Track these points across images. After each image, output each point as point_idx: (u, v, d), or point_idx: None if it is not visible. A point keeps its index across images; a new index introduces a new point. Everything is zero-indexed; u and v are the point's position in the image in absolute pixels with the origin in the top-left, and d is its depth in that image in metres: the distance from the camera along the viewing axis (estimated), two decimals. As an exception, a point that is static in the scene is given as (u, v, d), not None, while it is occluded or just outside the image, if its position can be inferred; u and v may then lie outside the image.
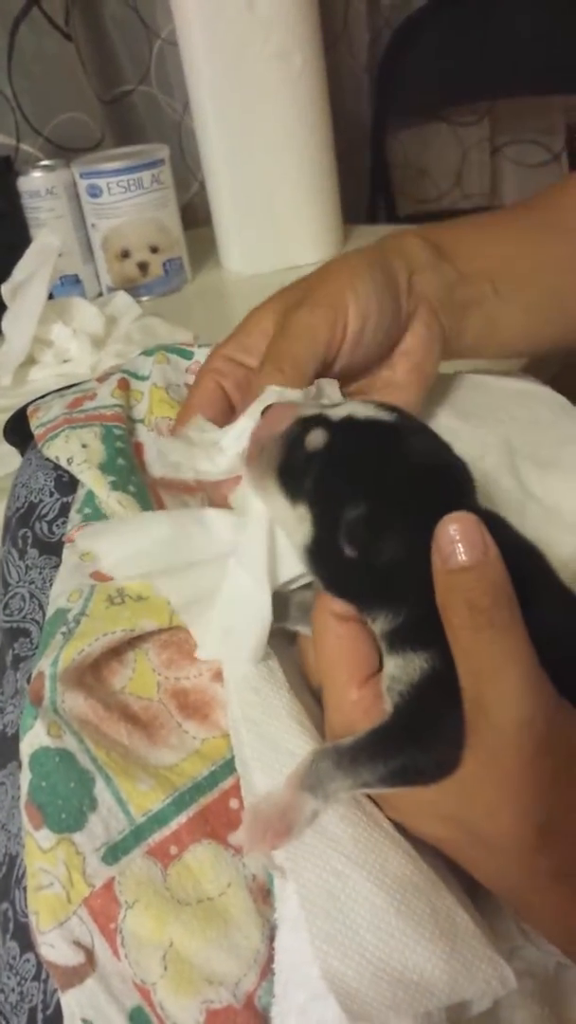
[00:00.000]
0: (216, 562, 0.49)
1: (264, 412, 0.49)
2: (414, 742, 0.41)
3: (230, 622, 0.48)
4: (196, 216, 1.69)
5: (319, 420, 0.46)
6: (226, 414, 0.59)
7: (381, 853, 0.42)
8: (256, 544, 0.48)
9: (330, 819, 0.43)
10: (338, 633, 0.45)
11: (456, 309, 0.63)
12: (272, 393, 0.52)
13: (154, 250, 1.43)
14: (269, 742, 0.45)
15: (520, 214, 0.70)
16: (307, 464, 0.44)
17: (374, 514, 0.42)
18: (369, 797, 0.45)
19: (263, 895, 0.44)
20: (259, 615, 0.47)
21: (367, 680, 0.44)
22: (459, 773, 0.40)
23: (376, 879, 0.41)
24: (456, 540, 0.39)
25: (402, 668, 0.42)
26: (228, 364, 0.60)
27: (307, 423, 0.46)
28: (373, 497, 0.42)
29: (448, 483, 0.44)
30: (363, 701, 0.44)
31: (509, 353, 0.71)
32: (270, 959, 0.42)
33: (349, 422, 0.45)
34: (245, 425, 0.53)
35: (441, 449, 0.46)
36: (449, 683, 0.40)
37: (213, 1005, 0.41)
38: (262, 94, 1.39)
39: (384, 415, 0.45)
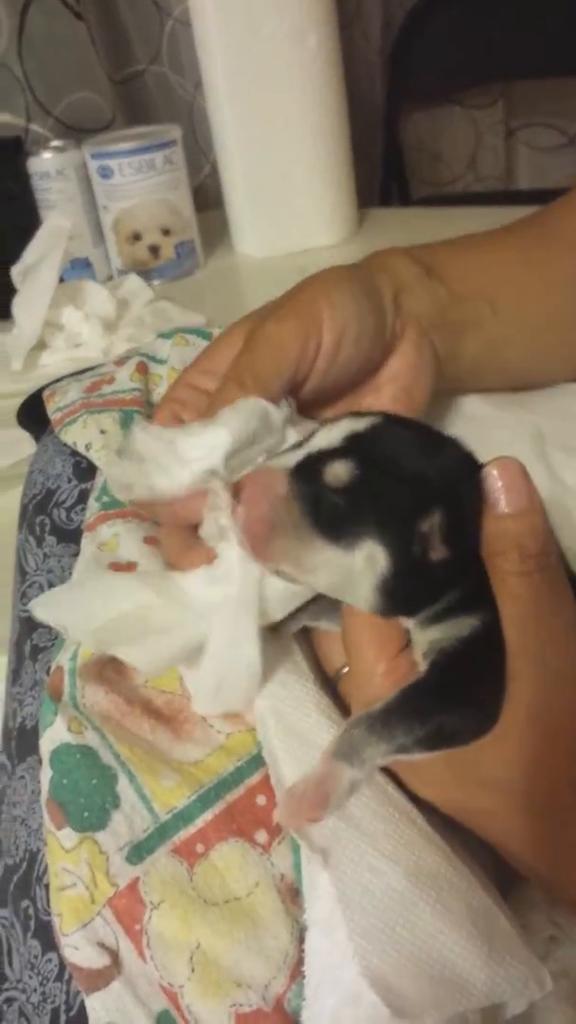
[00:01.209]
0: (189, 625, 0.45)
1: (237, 492, 0.42)
2: (450, 697, 0.40)
3: (219, 678, 0.44)
4: (208, 198, 1.67)
5: (320, 457, 0.41)
6: None
7: (415, 850, 0.41)
8: (242, 600, 0.44)
9: (363, 814, 0.41)
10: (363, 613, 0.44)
11: (450, 330, 0.58)
12: (248, 404, 0.46)
13: (166, 232, 1.41)
14: (297, 736, 0.44)
15: (519, 231, 0.65)
16: (350, 499, 0.40)
17: (451, 510, 0.40)
18: (403, 788, 0.43)
19: (292, 895, 0.43)
20: (249, 669, 0.44)
21: (396, 656, 0.43)
22: (499, 730, 0.39)
23: (411, 876, 0.40)
24: (504, 487, 0.39)
25: (446, 630, 0.41)
26: (190, 392, 0.53)
27: (307, 467, 0.41)
28: (441, 496, 0.40)
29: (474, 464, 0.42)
30: (393, 673, 0.43)
31: (515, 379, 0.65)
32: (300, 961, 0.41)
33: (357, 439, 0.41)
34: (217, 438, 0.45)
35: (450, 438, 0.44)
36: (494, 642, 0.40)
37: (242, 1008, 0.40)
38: (276, 74, 1.37)
39: (375, 420, 0.42)
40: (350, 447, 0.41)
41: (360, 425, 0.42)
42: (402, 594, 0.41)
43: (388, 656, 0.43)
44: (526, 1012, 0.42)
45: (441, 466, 0.41)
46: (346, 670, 0.46)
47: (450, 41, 1.95)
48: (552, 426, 0.61)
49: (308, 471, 0.41)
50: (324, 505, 0.40)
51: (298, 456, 0.41)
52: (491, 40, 1.88)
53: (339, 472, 0.40)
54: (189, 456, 0.45)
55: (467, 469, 0.41)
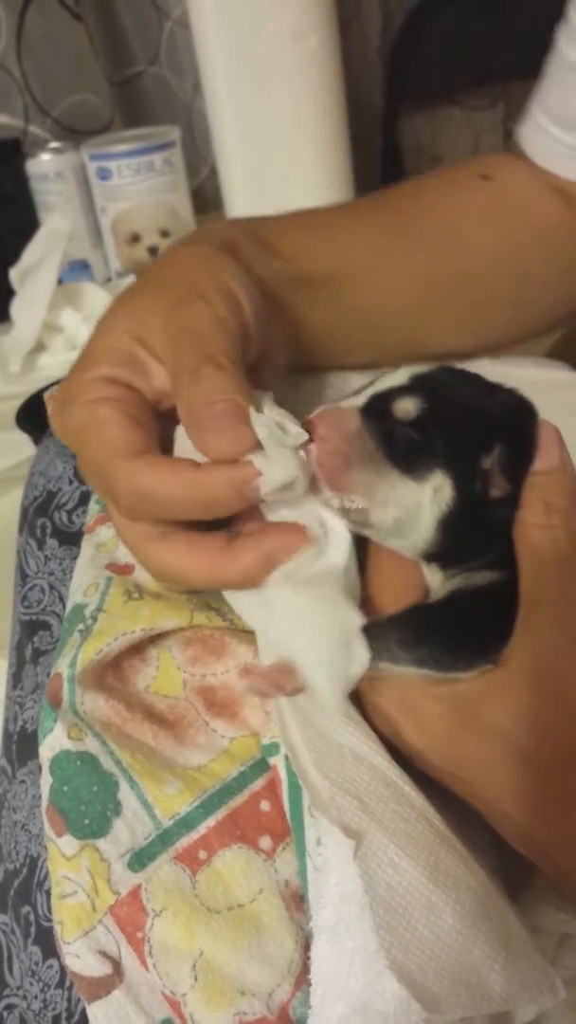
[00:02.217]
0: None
1: (309, 430, 0.41)
2: (452, 622, 0.41)
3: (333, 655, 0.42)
4: (206, 201, 1.66)
5: (387, 395, 0.42)
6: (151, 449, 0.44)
7: (433, 851, 0.40)
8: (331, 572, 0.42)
9: (383, 812, 0.41)
10: (389, 559, 0.45)
11: (287, 310, 0.56)
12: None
13: (165, 234, 1.40)
14: (316, 730, 0.44)
15: (362, 215, 0.64)
16: (420, 432, 0.41)
17: (511, 448, 0.42)
18: (419, 788, 0.42)
19: (296, 901, 0.42)
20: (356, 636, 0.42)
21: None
22: (505, 678, 0.39)
23: (430, 875, 0.39)
24: (543, 445, 0.41)
25: (467, 579, 0.43)
26: (111, 388, 0.45)
27: (375, 405, 0.42)
28: (503, 433, 0.42)
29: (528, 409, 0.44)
30: None
31: (342, 362, 0.63)
32: (305, 968, 0.41)
33: (421, 379, 0.43)
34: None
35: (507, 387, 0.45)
36: (508, 594, 0.41)
37: (246, 1017, 0.40)
38: (276, 75, 1.36)
39: (435, 365, 0.44)
40: (415, 385, 0.42)
41: (421, 369, 0.43)
42: (458, 534, 0.42)
43: (405, 603, 0.43)
44: (534, 1021, 0.41)
45: (503, 404, 0.43)
46: None
47: (449, 42, 1.95)
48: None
49: (377, 408, 0.42)
50: (396, 438, 0.41)
51: (365, 396, 0.43)
52: (490, 41, 1.87)
53: (408, 406, 0.42)
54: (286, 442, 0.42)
55: (526, 412, 0.44)
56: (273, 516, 0.43)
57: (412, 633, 0.41)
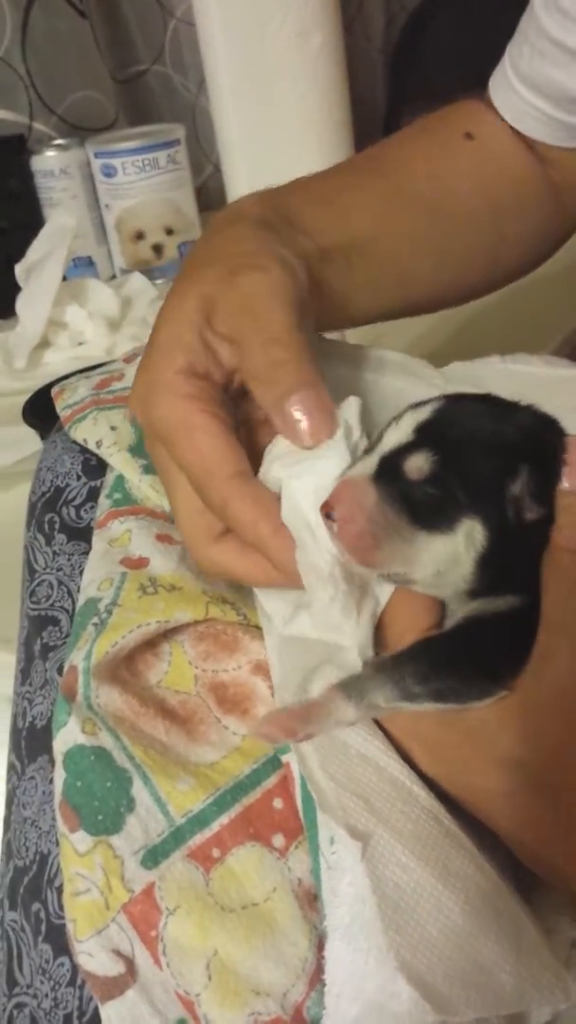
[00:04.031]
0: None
1: (327, 512, 0.41)
2: (469, 651, 0.41)
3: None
4: (210, 200, 1.66)
5: (395, 455, 0.42)
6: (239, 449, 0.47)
7: (442, 851, 0.40)
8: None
9: (391, 813, 0.40)
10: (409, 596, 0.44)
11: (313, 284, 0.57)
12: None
13: (169, 232, 1.40)
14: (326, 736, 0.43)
15: (363, 183, 0.65)
16: (437, 487, 0.41)
17: (537, 469, 0.41)
18: (429, 789, 0.42)
19: (310, 900, 0.42)
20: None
21: (426, 630, 0.43)
22: (523, 707, 0.38)
23: (439, 876, 0.39)
24: (570, 464, 0.40)
25: (486, 604, 0.42)
26: (194, 382, 0.47)
27: (387, 468, 0.42)
28: (524, 454, 0.41)
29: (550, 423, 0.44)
30: None
31: (348, 326, 0.67)
32: (319, 968, 0.40)
33: (426, 427, 0.42)
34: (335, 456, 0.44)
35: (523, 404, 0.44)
36: (527, 621, 0.40)
37: (261, 1017, 0.39)
38: (280, 73, 1.36)
39: (437, 404, 0.43)
40: (422, 437, 0.42)
41: (424, 414, 0.42)
42: (500, 564, 0.41)
43: (420, 630, 0.43)
44: (551, 1022, 0.41)
45: (521, 425, 0.42)
46: None
47: (451, 40, 1.94)
48: (569, 423, 0.60)
49: (389, 472, 0.41)
50: (415, 499, 0.41)
51: (374, 461, 0.42)
52: (492, 41, 1.87)
53: (419, 464, 0.41)
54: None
55: (549, 428, 0.43)
56: None
57: (426, 667, 0.40)
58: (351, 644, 0.44)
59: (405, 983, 0.37)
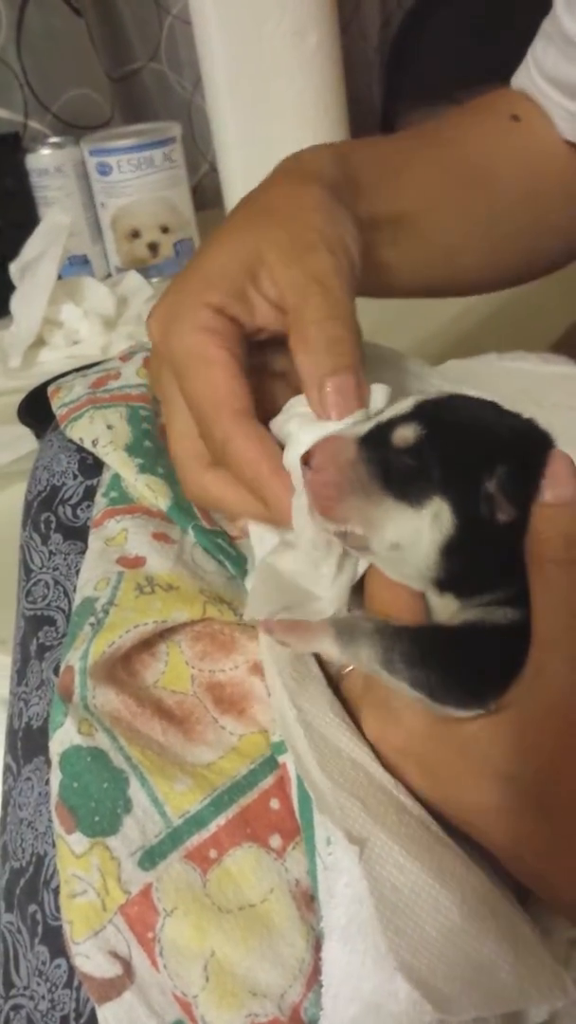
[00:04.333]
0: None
1: (307, 459, 0.42)
2: (461, 658, 0.40)
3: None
4: (205, 199, 1.66)
5: (389, 424, 0.42)
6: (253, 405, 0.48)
7: (436, 854, 0.40)
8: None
9: (387, 814, 0.40)
10: (387, 584, 0.44)
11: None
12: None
13: (164, 230, 1.40)
14: (317, 731, 0.43)
15: (419, 150, 0.67)
16: (418, 459, 0.41)
17: (516, 471, 0.40)
18: (416, 798, 0.42)
19: (307, 901, 0.42)
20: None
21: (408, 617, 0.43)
22: (515, 719, 0.38)
23: (435, 876, 0.39)
24: (551, 477, 0.39)
25: (480, 613, 0.41)
26: (219, 320, 0.48)
27: (376, 434, 0.42)
28: (507, 456, 0.41)
29: (542, 436, 0.43)
30: None
31: (382, 295, 0.67)
32: (316, 969, 0.40)
33: (426, 406, 0.43)
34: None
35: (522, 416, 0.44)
36: (520, 638, 0.39)
37: (258, 1019, 0.39)
38: (276, 72, 1.36)
39: (446, 393, 0.45)
40: (418, 412, 0.42)
41: (429, 396, 0.43)
42: (465, 560, 0.41)
43: (398, 609, 0.43)
44: (548, 1022, 0.41)
45: (509, 427, 0.42)
46: (349, 669, 0.45)
47: (448, 40, 1.95)
48: (566, 424, 0.60)
49: (377, 438, 0.42)
50: (392, 466, 0.41)
51: (369, 426, 0.43)
52: (489, 40, 1.87)
53: (406, 434, 0.41)
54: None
55: (537, 435, 0.43)
56: None
57: (418, 651, 0.40)
58: (325, 598, 0.45)
59: (403, 983, 0.37)
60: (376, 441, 0.42)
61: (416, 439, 0.41)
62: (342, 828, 0.39)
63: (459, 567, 0.41)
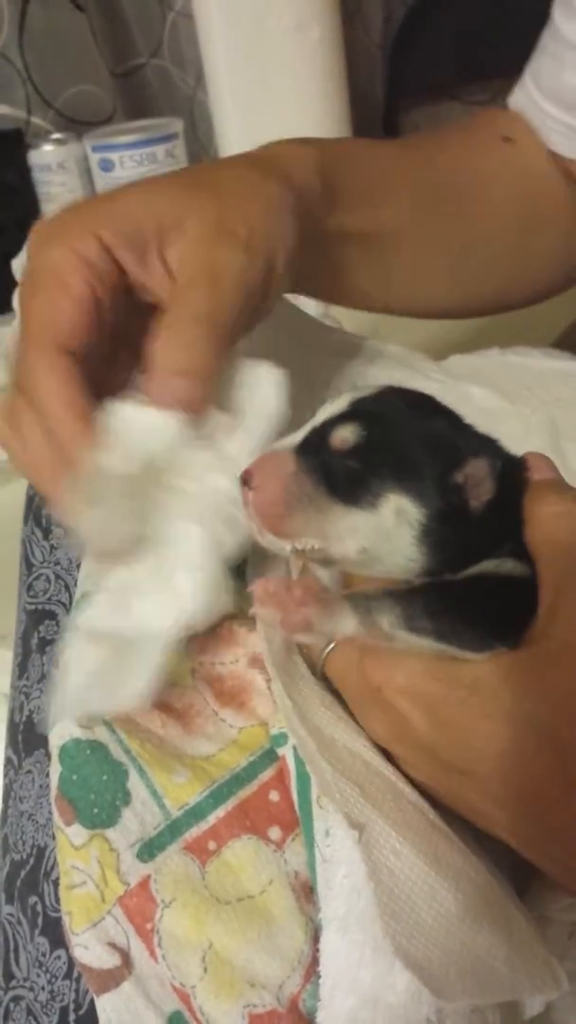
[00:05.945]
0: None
1: (246, 480, 0.42)
2: (477, 602, 0.40)
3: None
4: (208, 194, 1.65)
5: (324, 428, 0.41)
6: (97, 343, 0.45)
7: (432, 842, 0.40)
8: None
9: (384, 801, 0.40)
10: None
11: (333, 264, 0.57)
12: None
13: (167, 226, 1.40)
14: (311, 722, 0.43)
15: (405, 167, 0.65)
16: (362, 460, 0.40)
17: (486, 460, 0.41)
18: (413, 784, 0.42)
19: (306, 893, 0.42)
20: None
21: None
22: (529, 658, 0.37)
23: (431, 863, 0.39)
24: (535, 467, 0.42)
25: (497, 565, 0.42)
26: (101, 255, 0.45)
27: (313, 440, 0.42)
28: (471, 446, 0.41)
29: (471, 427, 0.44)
30: None
31: (349, 306, 0.66)
32: (314, 960, 0.40)
33: (360, 403, 0.42)
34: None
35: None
36: (528, 589, 0.39)
37: (256, 1009, 0.39)
38: (279, 67, 1.36)
39: (379, 388, 0.44)
40: (354, 411, 0.41)
41: (363, 393, 0.42)
42: (445, 544, 0.41)
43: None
44: (544, 1013, 0.41)
45: (446, 416, 0.43)
46: (331, 647, 0.43)
47: (450, 36, 1.94)
48: (568, 419, 0.60)
49: (314, 444, 0.41)
50: (335, 471, 0.40)
51: (302, 433, 0.42)
52: (491, 36, 1.87)
53: (345, 435, 0.40)
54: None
55: (470, 431, 0.43)
56: None
57: (436, 604, 0.39)
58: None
59: (401, 975, 0.37)
60: (314, 447, 0.41)
61: (356, 439, 0.40)
62: (342, 811, 0.39)
63: (444, 551, 0.41)
